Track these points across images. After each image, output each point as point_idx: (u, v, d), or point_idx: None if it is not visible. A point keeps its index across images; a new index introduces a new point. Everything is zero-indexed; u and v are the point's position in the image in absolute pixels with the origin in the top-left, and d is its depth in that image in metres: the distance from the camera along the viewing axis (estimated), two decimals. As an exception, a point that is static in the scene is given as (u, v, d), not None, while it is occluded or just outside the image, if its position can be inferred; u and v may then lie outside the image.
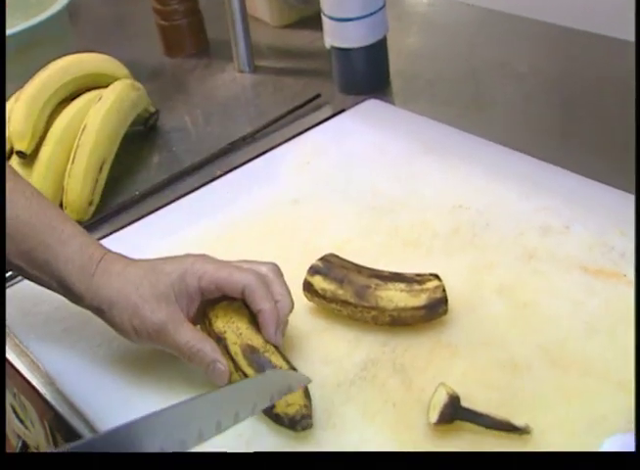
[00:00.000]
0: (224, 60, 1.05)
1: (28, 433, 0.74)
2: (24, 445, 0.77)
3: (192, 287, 0.57)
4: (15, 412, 0.74)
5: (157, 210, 0.79)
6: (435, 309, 0.58)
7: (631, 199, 0.69)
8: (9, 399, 0.73)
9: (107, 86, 0.85)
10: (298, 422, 0.53)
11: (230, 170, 0.82)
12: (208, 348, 0.56)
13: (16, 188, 0.59)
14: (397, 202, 0.74)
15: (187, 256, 0.59)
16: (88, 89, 0.86)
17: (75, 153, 0.78)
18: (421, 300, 0.58)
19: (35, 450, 0.74)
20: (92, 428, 0.58)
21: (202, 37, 1.08)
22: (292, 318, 0.59)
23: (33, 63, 0.89)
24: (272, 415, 0.54)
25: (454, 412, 0.52)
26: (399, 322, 0.59)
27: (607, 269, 0.63)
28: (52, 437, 0.67)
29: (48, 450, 0.47)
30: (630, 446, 0.46)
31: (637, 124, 0.73)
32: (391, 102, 0.92)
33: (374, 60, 0.93)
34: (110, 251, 0.60)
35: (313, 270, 0.61)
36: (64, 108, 0.83)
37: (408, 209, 0.73)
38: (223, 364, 0.56)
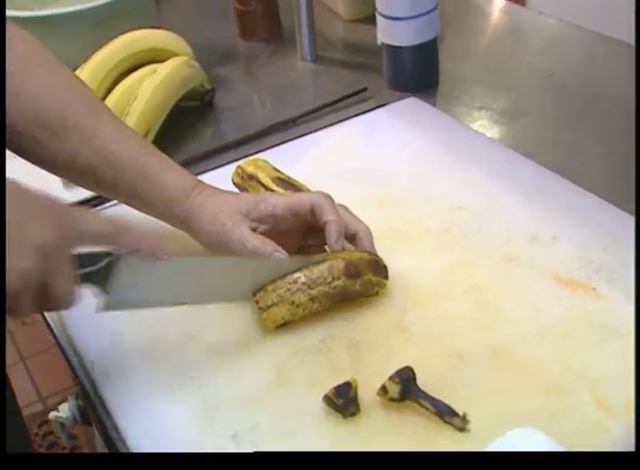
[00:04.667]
0: (291, 47, 1.11)
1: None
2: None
3: (265, 212, 0.67)
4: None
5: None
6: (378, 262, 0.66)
7: (625, 217, 0.71)
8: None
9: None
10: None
11: (262, 150, 0.88)
12: (269, 242, 0.65)
13: (118, 129, 0.69)
14: (403, 196, 0.78)
15: (265, 192, 0.72)
16: (151, 62, 0.94)
17: (125, 119, 0.86)
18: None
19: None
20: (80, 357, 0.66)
21: (274, 23, 1.14)
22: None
23: (112, 35, 0.98)
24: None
25: (408, 390, 0.56)
26: (351, 269, 0.63)
27: (578, 281, 0.66)
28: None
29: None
30: (520, 441, 0.49)
31: (637, 147, 0.74)
32: (433, 102, 0.95)
33: (422, 59, 0.97)
34: (201, 181, 0.70)
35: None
36: (124, 78, 0.91)
37: (410, 203, 0.77)
38: (283, 253, 0.65)
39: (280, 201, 0.67)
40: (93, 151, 0.67)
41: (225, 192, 0.70)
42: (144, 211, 0.70)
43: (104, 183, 0.69)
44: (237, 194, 0.71)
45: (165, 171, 0.69)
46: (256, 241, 0.65)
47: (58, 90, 0.67)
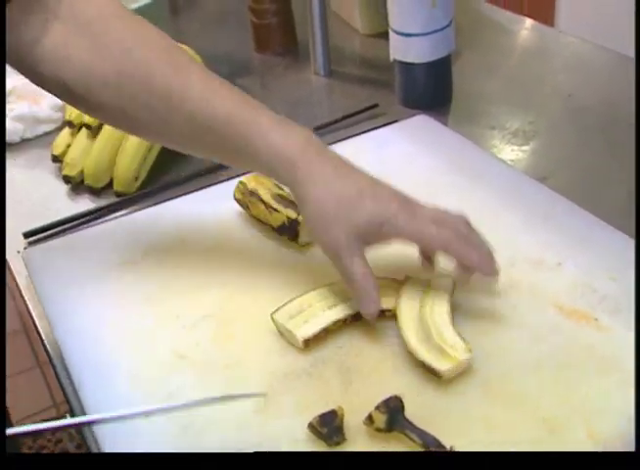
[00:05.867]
0: (306, 61, 1.10)
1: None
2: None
3: (386, 236, 0.61)
4: None
5: (196, 190, 0.85)
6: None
7: (634, 245, 0.69)
8: None
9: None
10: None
11: (269, 165, 0.87)
12: (371, 286, 0.60)
13: (208, 85, 0.63)
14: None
15: (391, 198, 0.62)
16: (161, 75, 0.93)
17: (130, 131, 0.85)
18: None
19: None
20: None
21: (290, 37, 1.13)
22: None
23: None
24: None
25: (395, 421, 0.55)
26: None
27: (580, 311, 0.63)
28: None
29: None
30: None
31: (637, 171, 0.72)
32: (445, 120, 0.93)
33: (435, 77, 0.95)
34: (310, 140, 0.62)
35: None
36: (133, 89, 0.91)
37: (413, 223, 0.75)
38: (377, 306, 0.61)
39: (405, 228, 0.61)
40: (184, 117, 0.62)
41: (342, 180, 0.61)
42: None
43: (204, 149, 0.66)
44: (357, 192, 0.61)
45: (266, 133, 0.61)
46: (365, 282, 0.60)
47: (139, 50, 0.61)
